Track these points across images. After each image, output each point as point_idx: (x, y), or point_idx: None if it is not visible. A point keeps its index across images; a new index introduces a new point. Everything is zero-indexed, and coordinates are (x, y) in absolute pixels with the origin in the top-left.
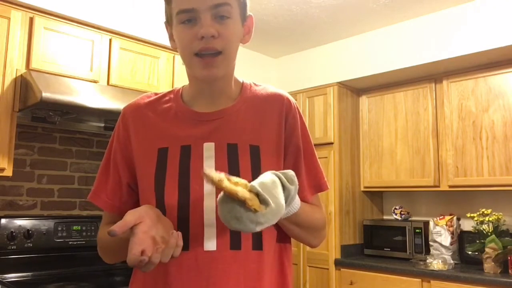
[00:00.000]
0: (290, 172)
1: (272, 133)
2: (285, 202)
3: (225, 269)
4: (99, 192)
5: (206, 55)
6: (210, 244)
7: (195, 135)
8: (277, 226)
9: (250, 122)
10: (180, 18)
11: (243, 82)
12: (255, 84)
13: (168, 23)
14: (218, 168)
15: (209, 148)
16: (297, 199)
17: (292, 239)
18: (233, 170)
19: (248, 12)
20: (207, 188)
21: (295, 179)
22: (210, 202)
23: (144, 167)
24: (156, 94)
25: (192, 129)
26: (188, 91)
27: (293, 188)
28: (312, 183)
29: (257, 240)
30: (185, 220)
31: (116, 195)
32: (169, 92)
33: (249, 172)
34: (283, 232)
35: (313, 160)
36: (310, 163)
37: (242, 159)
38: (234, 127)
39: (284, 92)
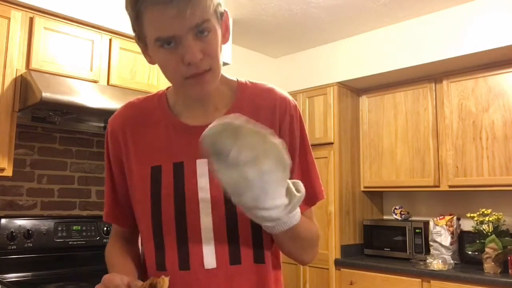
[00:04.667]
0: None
1: None
2: (287, 210)
3: (227, 285)
4: (108, 213)
5: (196, 77)
6: (210, 262)
7: (187, 151)
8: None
9: None
10: (159, 44)
11: (238, 82)
12: (251, 83)
13: (140, 40)
14: (212, 185)
15: (202, 165)
16: (297, 210)
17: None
18: None
19: (223, 8)
20: (202, 205)
21: (303, 189)
22: (206, 221)
23: (139, 185)
24: (138, 100)
25: (184, 144)
26: (174, 97)
27: (299, 196)
28: (308, 192)
29: (259, 253)
30: (184, 240)
31: (122, 213)
32: (152, 97)
33: None
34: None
35: (310, 167)
36: (306, 169)
37: None
38: None
39: (283, 94)
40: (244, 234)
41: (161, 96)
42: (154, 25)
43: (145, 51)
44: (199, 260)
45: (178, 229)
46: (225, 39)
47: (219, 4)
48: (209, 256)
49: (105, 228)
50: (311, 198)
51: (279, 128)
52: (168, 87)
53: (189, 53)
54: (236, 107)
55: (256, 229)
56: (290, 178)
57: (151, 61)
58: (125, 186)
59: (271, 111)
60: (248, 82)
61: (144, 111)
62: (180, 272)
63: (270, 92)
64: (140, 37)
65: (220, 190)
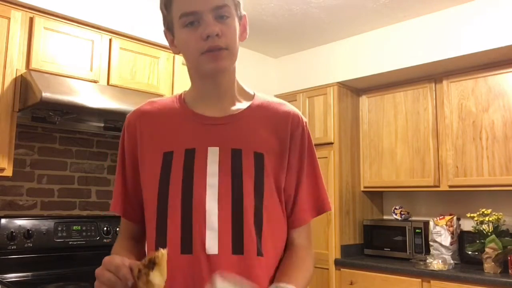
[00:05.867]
0: None
1: (277, 143)
2: None
3: (229, 272)
4: (116, 202)
5: (212, 51)
6: (212, 248)
7: (200, 139)
8: (276, 233)
9: (257, 130)
10: (183, 22)
11: (254, 93)
12: (267, 96)
13: (169, 29)
14: (221, 172)
15: (213, 152)
16: None
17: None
18: (236, 175)
19: (243, 12)
20: (210, 191)
21: None
22: (212, 206)
23: (149, 170)
24: (157, 100)
25: (197, 132)
26: (191, 94)
27: None
28: (314, 203)
29: (260, 246)
30: (188, 223)
31: (130, 204)
32: (171, 97)
33: (252, 178)
34: (281, 241)
35: (317, 179)
36: (314, 181)
37: (245, 165)
38: (240, 133)
39: (296, 110)
40: (248, 225)
41: (178, 95)
42: (181, 4)
43: (172, 43)
44: (202, 245)
45: (183, 213)
46: (242, 37)
47: (239, 3)
48: (212, 242)
49: (105, 228)
50: (319, 208)
51: (290, 136)
52: (184, 90)
53: (208, 28)
54: (251, 108)
55: (259, 221)
56: (299, 188)
57: (176, 51)
58: (135, 180)
59: (284, 120)
60: (264, 96)
61: (161, 106)
62: (182, 255)
63: (284, 104)
64: (169, 27)
65: (228, 177)
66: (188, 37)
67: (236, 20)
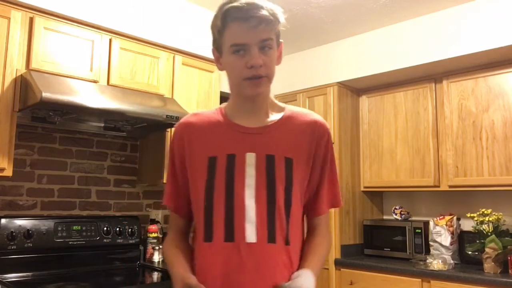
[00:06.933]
0: None
1: (304, 149)
2: None
3: (265, 258)
4: (168, 197)
5: (254, 79)
6: (251, 237)
7: (239, 146)
8: (299, 225)
9: (287, 138)
10: (232, 49)
11: (285, 106)
12: (296, 108)
13: (217, 49)
14: (257, 174)
15: (251, 158)
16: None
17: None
18: (270, 176)
19: (280, 40)
20: (248, 190)
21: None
22: (250, 202)
23: (196, 172)
24: (201, 112)
25: (237, 140)
26: (231, 107)
27: None
28: (331, 198)
29: (288, 236)
30: (230, 216)
31: (180, 199)
32: (213, 110)
33: (283, 179)
34: (300, 231)
35: (335, 179)
36: (332, 180)
37: (278, 168)
38: (273, 141)
39: (321, 119)
40: (279, 218)
41: (219, 108)
42: (233, 34)
43: (218, 60)
44: (242, 235)
45: (226, 208)
46: (277, 62)
47: (279, 33)
48: (251, 232)
49: (105, 228)
50: (334, 203)
51: (316, 144)
52: (223, 104)
53: (253, 59)
54: (282, 120)
55: (287, 216)
56: (320, 185)
57: (221, 68)
58: (184, 177)
59: (312, 127)
60: (293, 107)
61: (205, 117)
62: (225, 243)
63: (312, 114)
64: (218, 47)
65: (263, 178)
66: (234, 62)
67: (275, 48)
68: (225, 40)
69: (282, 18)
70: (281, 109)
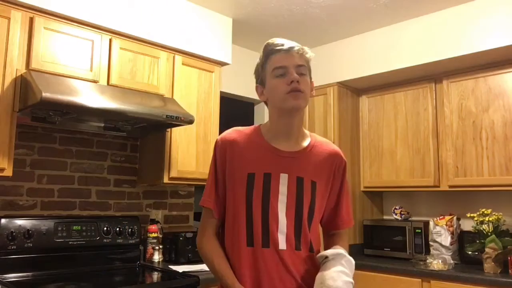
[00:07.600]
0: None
1: (325, 174)
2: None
3: (294, 262)
4: (208, 199)
5: (294, 91)
6: (282, 245)
7: (274, 166)
8: (317, 235)
9: (313, 164)
10: (274, 73)
11: (310, 134)
12: (318, 137)
13: (261, 83)
14: (289, 192)
15: (284, 177)
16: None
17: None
18: (299, 195)
19: (312, 78)
20: (280, 205)
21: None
22: (282, 215)
23: (236, 185)
24: (241, 129)
25: (273, 161)
26: (267, 129)
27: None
28: (346, 219)
29: (311, 245)
30: (267, 227)
31: (219, 204)
32: (251, 128)
33: (308, 198)
34: (319, 242)
35: (349, 203)
36: (347, 203)
37: (305, 189)
38: (302, 166)
39: (338, 149)
40: (304, 230)
41: (256, 128)
42: (275, 61)
43: (262, 93)
44: (275, 242)
45: (263, 219)
46: (310, 94)
47: (310, 69)
48: (282, 241)
49: (105, 228)
50: (347, 223)
51: (335, 170)
52: (260, 124)
53: (292, 76)
54: (309, 146)
55: (309, 228)
56: (337, 207)
57: (263, 98)
58: (223, 186)
59: (332, 157)
60: (316, 136)
61: (244, 135)
62: (262, 249)
63: (331, 144)
64: (261, 81)
65: (293, 196)
66: (278, 83)
67: (308, 78)
68: (268, 69)
69: (311, 53)
70: (306, 136)
